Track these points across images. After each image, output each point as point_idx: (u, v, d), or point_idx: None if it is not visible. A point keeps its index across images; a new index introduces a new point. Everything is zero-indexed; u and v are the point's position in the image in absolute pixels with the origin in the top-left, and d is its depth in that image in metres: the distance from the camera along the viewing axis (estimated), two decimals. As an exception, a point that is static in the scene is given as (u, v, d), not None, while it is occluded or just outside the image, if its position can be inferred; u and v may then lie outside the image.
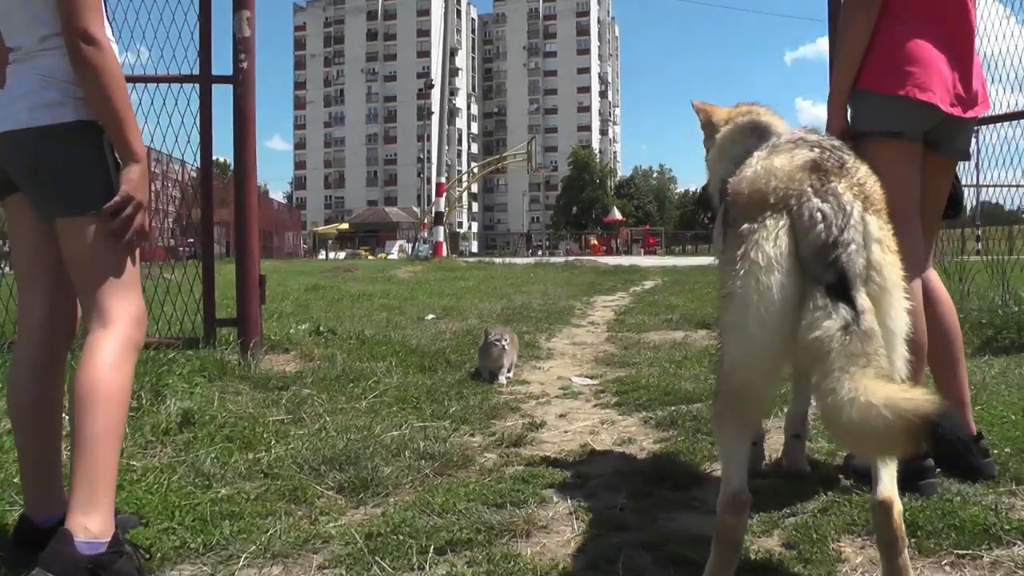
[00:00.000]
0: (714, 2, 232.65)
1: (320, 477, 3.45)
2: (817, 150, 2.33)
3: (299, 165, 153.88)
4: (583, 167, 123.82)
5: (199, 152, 5.69)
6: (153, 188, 6.73)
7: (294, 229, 69.99)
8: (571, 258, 39.28)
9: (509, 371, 6.02)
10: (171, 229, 9.20)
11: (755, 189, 2.27)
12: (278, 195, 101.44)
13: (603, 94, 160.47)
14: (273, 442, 3.91)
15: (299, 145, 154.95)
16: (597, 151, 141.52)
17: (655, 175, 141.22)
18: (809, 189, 2.18)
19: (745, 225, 2.22)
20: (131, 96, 2.68)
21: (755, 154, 2.46)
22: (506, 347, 5.93)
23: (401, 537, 2.79)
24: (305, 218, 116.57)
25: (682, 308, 10.84)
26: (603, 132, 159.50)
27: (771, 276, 2.11)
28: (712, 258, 3.52)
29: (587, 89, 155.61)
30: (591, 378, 6.13)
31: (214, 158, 7.08)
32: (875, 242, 2.16)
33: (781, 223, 2.15)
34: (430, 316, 9.85)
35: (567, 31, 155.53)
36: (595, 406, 5.10)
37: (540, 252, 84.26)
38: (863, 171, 2.34)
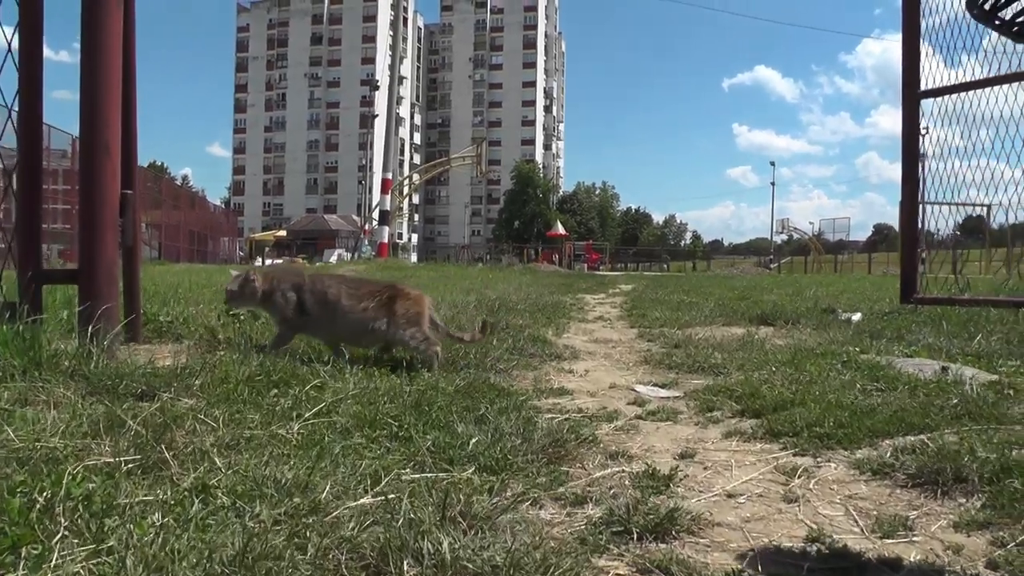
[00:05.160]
0: (661, 18, 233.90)
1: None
2: None
3: (238, 170, 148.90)
4: (527, 181, 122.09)
5: None
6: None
7: (231, 234, 67.29)
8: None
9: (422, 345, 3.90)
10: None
11: None
12: (216, 201, 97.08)
13: (548, 109, 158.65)
14: (58, 533, 1.53)
15: (238, 149, 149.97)
16: (541, 166, 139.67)
17: (598, 192, 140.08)
18: None
19: None
20: None
21: None
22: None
23: None
24: (242, 224, 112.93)
25: (703, 305, 8.66)
26: (547, 147, 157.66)
27: None
28: None
29: (532, 103, 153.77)
30: (662, 386, 3.86)
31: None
32: None
33: None
34: (388, 307, 7.51)
35: (514, 44, 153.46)
36: (725, 436, 2.78)
37: (481, 264, 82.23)
38: None
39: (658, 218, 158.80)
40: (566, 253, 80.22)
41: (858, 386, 3.44)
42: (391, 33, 38.54)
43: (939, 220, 7.54)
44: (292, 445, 2.25)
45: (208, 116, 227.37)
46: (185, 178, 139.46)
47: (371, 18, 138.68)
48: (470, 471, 2.13)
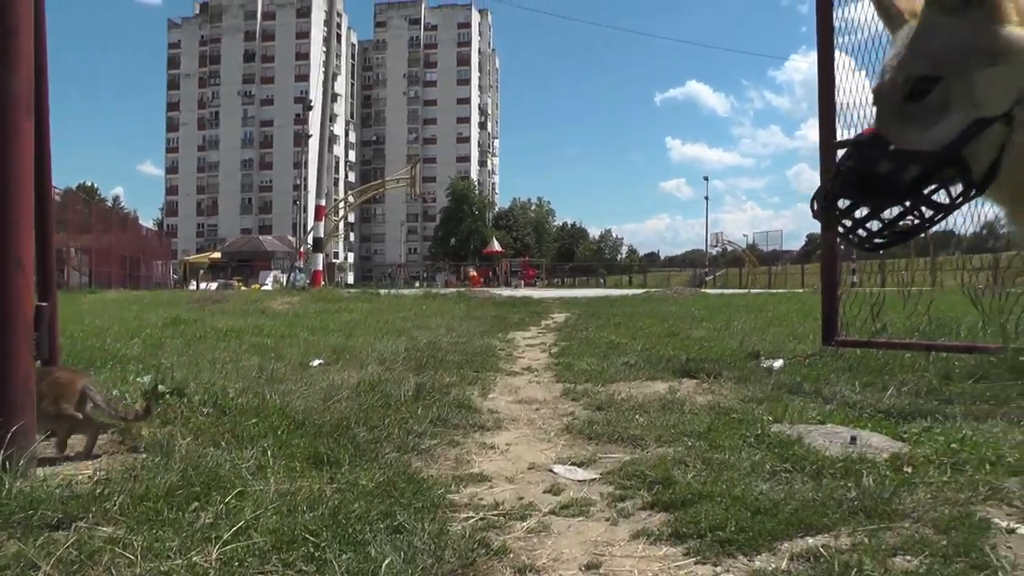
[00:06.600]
0: (592, 38, 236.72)
1: None
2: None
3: (171, 190, 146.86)
4: (462, 198, 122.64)
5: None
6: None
7: (164, 258, 66.40)
8: (460, 289, 37.24)
9: None
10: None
11: None
12: (148, 223, 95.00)
13: (483, 125, 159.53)
14: None
15: (171, 169, 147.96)
16: (476, 182, 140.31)
17: (534, 208, 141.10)
18: None
19: None
20: None
21: None
22: None
23: None
24: (176, 246, 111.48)
25: (630, 347, 8.84)
26: (482, 163, 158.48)
27: None
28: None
29: (467, 120, 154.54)
30: (580, 465, 3.98)
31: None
32: None
33: None
34: (317, 361, 7.54)
35: (448, 60, 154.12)
36: (633, 537, 2.90)
37: (417, 284, 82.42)
38: None
39: (594, 232, 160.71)
40: (503, 270, 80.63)
41: (767, 467, 3.59)
42: (324, 50, 38.41)
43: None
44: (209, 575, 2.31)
45: (140, 134, 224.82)
46: (116, 199, 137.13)
47: (304, 35, 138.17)
48: (381, 604, 2.22)
